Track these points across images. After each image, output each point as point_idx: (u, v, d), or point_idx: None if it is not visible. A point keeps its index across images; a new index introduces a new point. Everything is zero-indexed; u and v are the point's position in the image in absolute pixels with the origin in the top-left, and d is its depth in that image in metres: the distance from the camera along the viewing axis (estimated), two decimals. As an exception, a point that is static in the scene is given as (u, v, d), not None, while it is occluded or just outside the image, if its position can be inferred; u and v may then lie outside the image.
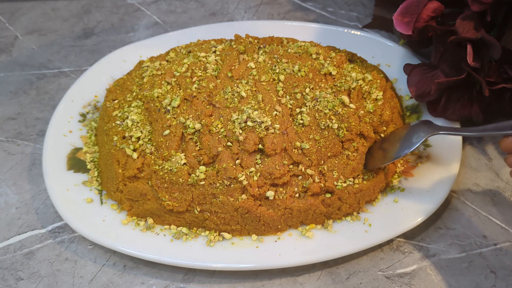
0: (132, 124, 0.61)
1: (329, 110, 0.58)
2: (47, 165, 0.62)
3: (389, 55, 0.73)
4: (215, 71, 0.63)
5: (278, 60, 0.64)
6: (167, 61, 0.68)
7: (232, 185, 0.54)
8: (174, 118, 0.59)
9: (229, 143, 0.56)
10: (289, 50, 0.66)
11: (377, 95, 0.61)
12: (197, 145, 0.57)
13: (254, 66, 0.63)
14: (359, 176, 0.57)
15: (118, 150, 0.59)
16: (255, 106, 0.58)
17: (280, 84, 0.61)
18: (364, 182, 0.57)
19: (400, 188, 0.59)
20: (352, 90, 0.61)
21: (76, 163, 0.63)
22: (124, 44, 0.80)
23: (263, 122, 0.56)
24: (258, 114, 0.57)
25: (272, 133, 0.56)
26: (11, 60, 0.85)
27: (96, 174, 0.62)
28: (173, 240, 0.55)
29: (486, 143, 0.66)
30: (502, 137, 0.49)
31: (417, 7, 0.63)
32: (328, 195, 0.56)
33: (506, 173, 0.62)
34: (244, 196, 0.54)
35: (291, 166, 0.56)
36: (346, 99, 0.59)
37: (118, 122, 0.62)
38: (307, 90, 0.60)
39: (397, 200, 0.57)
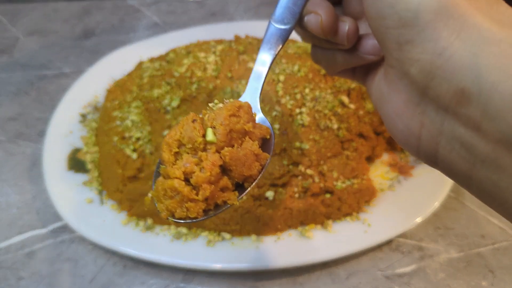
0: (132, 125, 0.61)
1: (329, 110, 0.58)
2: (47, 165, 0.62)
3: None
4: (215, 71, 0.64)
5: (278, 61, 0.64)
6: (167, 61, 0.68)
7: (231, 185, 0.55)
8: (174, 118, 0.59)
9: (229, 143, 0.56)
10: (289, 51, 0.66)
11: (376, 96, 0.61)
12: (197, 145, 0.57)
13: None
14: (358, 176, 0.57)
15: (118, 150, 0.59)
16: (255, 107, 0.59)
17: (280, 84, 0.61)
18: (364, 182, 0.57)
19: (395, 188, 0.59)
20: (352, 91, 0.61)
21: (76, 163, 0.64)
22: (124, 45, 0.81)
23: (262, 122, 0.56)
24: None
25: (272, 133, 0.56)
26: (13, 61, 0.86)
27: (96, 174, 0.63)
28: (173, 240, 0.55)
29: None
30: None
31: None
32: (328, 195, 0.56)
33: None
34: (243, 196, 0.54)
35: (291, 166, 0.56)
36: (345, 99, 0.59)
37: (118, 122, 0.62)
38: (307, 90, 0.60)
39: (396, 200, 0.58)
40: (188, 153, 0.32)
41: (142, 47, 0.78)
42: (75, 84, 0.73)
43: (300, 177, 0.56)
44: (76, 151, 0.65)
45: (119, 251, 0.54)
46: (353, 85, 0.61)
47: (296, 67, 0.62)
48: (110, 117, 0.64)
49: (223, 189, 0.33)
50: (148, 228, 0.57)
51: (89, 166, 0.64)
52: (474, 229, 0.57)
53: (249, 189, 0.34)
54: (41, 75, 0.82)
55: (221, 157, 0.32)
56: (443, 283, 0.52)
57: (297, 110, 0.59)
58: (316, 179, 0.56)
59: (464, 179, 0.30)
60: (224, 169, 0.33)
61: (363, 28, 0.37)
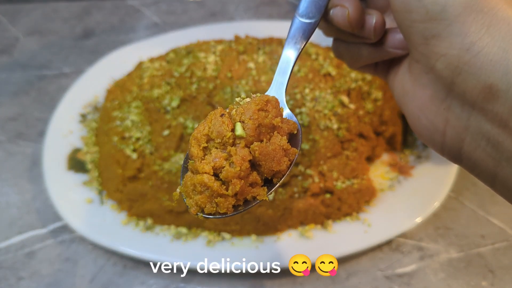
0: (132, 125, 0.61)
1: (329, 110, 0.58)
2: (47, 165, 0.62)
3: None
4: (215, 71, 0.64)
5: (277, 61, 0.64)
6: (167, 61, 0.68)
7: (231, 185, 0.55)
8: (174, 118, 0.59)
9: (228, 143, 0.56)
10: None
11: (377, 96, 0.61)
12: (197, 145, 0.57)
13: (253, 67, 0.63)
14: (358, 176, 0.57)
15: (118, 150, 0.59)
16: (255, 107, 0.58)
17: (280, 84, 0.61)
18: (364, 182, 0.57)
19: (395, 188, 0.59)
20: (352, 91, 0.61)
21: (76, 163, 0.64)
22: (124, 45, 0.81)
23: (262, 122, 0.56)
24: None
25: (272, 133, 0.56)
26: (13, 61, 0.86)
27: (96, 174, 0.63)
28: (173, 240, 0.55)
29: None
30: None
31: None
32: (328, 195, 0.56)
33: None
34: (243, 196, 0.54)
35: (290, 166, 0.56)
36: (345, 99, 0.59)
37: (118, 122, 0.62)
38: (307, 90, 0.60)
39: (396, 200, 0.58)
40: (217, 148, 0.32)
41: (142, 47, 0.78)
42: (75, 84, 0.73)
43: (300, 177, 0.56)
44: (76, 151, 0.65)
45: (119, 251, 0.54)
46: (353, 85, 0.61)
47: (296, 67, 0.62)
48: (110, 117, 0.64)
49: (252, 185, 0.32)
50: (148, 228, 0.57)
51: (89, 166, 0.64)
52: (474, 229, 0.57)
53: (278, 184, 0.33)
54: (41, 75, 0.82)
55: (250, 152, 0.31)
56: (443, 283, 0.52)
57: (297, 110, 0.59)
58: (316, 179, 0.56)
59: (488, 176, 0.29)
60: (253, 164, 0.32)
61: (388, 22, 0.36)
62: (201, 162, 0.32)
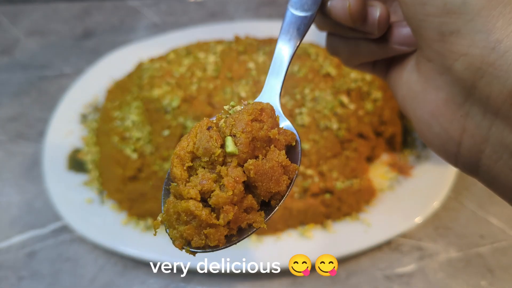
0: (132, 125, 0.61)
1: (329, 110, 0.58)
2: (47, 165, 0.62)
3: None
4: (215, 71, 0.64)
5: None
6: (167, 62, 0.68)
7: (231, 185, 0.54)
8: (174, 118, 0.59)
9: (228, 144, 0.56)
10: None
11: (376, 96, 0.61)
12: (197, 145, 0.57)
13: (253, 67, 0.64)
14: (358, 176, 0.58)
15: (118, 150, 0.60)
16: (255, 107, 0.58)
17: (280, 84, 0.61)
18: (363, 182, 0.57)
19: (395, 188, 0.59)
20: (352, 91, 0.61)
21: (76, 163, 0.64)
22: (124, 45, 0.81)
23: (262, 122, 0.56)
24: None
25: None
26: (13, 62, 0.86)
27: (96, 174, 0.63)
28: (173, 240, 0.55)
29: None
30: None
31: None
32: (328, 195, 0.56)
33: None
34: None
35: (290, 167, 0.56)
36: (345, 99, 0.59)
37: (118, 122, 0.62)
38: (307, 90, 0.60)
39: (396, 200, 0.58)
40: (204, 167, 0.27)
41: (142, 47, 0.78)
42: (75, 84, 0.73)
43: (300, 177, 0.56)
44: (76, 151, 0.65)
45: (119, 251, 0.54)
46: (353, 85, 0.61)
47: (296, 68, 0.62)
48: (110, 117, 0.64)
49: (247, 210, 0.27)
50: (148, 228, 0.57)
51: (89, 166, 0.64)
52: (473, 229, 0.57)
53: (277, 208, 0.28)
54: (41, 76, 0.82)
55: (244, 172, 0.26)
56: (442, 283, 0.52)
57: (297, 110, 0.59)
58: (316, 179, 0.56)
59: (509, 192, 0.25)
60: (248, 186, 0.27)
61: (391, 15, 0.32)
62: (185, 186, 0.26)
